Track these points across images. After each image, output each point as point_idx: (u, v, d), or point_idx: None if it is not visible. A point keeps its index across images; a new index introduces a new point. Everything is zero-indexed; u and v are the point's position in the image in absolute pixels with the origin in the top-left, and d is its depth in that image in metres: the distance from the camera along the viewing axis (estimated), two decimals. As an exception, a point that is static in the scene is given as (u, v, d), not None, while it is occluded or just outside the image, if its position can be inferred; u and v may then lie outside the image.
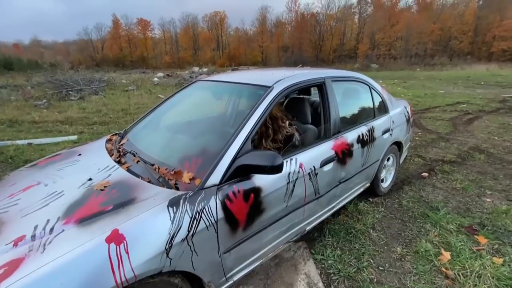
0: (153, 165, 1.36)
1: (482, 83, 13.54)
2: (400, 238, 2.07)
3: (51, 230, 1.00)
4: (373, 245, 1.98)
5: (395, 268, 1.78)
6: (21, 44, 56.20)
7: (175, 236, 1.05)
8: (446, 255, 1.83)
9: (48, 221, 1.05)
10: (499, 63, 28.49)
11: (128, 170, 1.38)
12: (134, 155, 1.49)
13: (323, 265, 1.79)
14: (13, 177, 1.55)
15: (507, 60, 31.26)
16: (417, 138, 4.55)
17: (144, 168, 1.36)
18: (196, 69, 18.24)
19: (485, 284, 1.61)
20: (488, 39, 38.54)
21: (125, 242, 0.95)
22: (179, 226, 1.06)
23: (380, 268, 1.78)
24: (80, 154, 1.65)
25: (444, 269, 1.73)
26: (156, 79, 14.24)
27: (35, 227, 1.02)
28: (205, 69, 17.84)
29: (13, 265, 0.86)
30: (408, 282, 1.66)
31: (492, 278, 1.65)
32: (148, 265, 0.97)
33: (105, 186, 1.23)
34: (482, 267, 1.73)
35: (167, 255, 1.02)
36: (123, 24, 57.03)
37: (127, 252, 0.94)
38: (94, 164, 1.48)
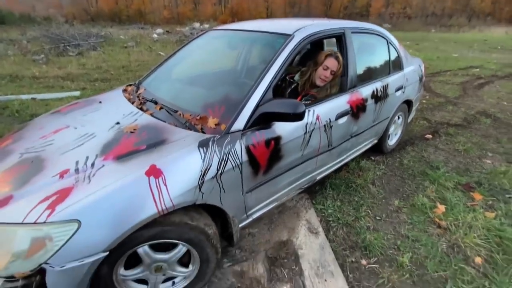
0: (176, 111, 1.40)
1: (499, 47, 12.78)
2: (398, 193, 2.17)
3: (92, 165, 1.07)
4: (372, 198, 2.08)
5: (391, 218, 1.89)
6: (10, -6, 52.32)
7: (206, 173, 1.14)
8: (441, 208, 1.93)
9: (87, 157, 1.12)
10: (521, 26, 26.49)
11: (152, 116, 1.42)
12: (156, 103, 1.51)
13: (323, 214, 1.91)
14: (39, 121, 1.58)
15: (530, 23, 28.98)
16: (424, 101, 4.46)
17: (168, 114, 1.40)
18: (197, 25, 17.14)
19: (475, 233, 1.72)
20: (514, -2, 35.26)
21: (163, 176, 1.03)
22: (209, 165, 1.15)
23: (377, 218, 1.89)
24: (100, 102, 1.68)
25: (437, 220, 1.84)
26: (155, 35, 13.51)
27: (77, 163, 1.09)
28: (206, 26, 16.77)
29: (64, 193, 0.95)
30: (402, 230, 1.78)
31: (483, 229, 1.77)
32: (184, 197, 1.07)
33: (134, 129, 1.28)
34: (474, 219, 1.84)
35: (200, 190, 1.12)
36: (117, -27, 52.32)
37: (165, 185, 1.03)
38: (117, 110, 1.52)
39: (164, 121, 1.35)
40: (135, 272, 1.13)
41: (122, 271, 1.09)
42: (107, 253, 0.93)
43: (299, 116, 1.25)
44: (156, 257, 1.13)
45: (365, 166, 2.48)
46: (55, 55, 7.94)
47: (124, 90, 1.86)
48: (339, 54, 1.81)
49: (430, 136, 3.17)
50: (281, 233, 1.72)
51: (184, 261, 1.24)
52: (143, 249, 1.08)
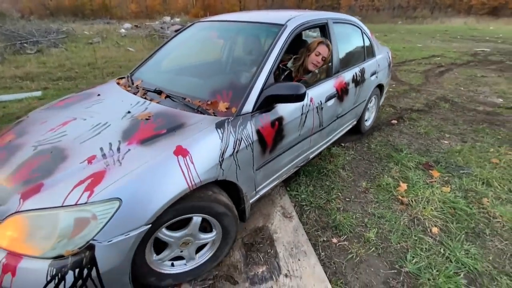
0: (185, 98, 1.46)
1: (458, 37, 13.71)
2: (366, 175, 2.31)
3: (118, 149, 1.13)
4: (342, 182, 2.20)
5: (359, 199, 2.02)
6: (-47, -14, 46.84)
7: (225, 152, 1.25)
8: (403, 186, 2.09)
9: (110, 144, 1.16)
10: (477, 17, 28.51)
11: (160, 104, 1.46)
12: (160, 93, 1.55)
13: (297, 199, 1.99)
14: (37, 116, 1.55)
15: (484, 14, 31.27)
16: (391, 89, 4.71)
17: (177, 102, 1.47)
18: (167, 19, 16.55)
19: (432, 206, 1.89)
20: (470, -9, 37.75)
21: (189, 155, 1.13)
22: (227, 144, 1.26)
23: (347, 199, 2.01)
24: (99, 95, 1.67)
25: (400, 197, 1.99)
26: (123, 30, 12.87)
27: (101, 149, 1.14)
28: (177, 19, 16.27)
29: (98, 176, 1.01)
30: (369, 209, 1.90)
31: (439, 202, 1.94)
32: (209, 173, 1.18)
33: (149, 116, 1.33)
34: (432, 194, 2.01)
35: (221, 167, 1.23)
36: (77, -36, 48.62)
37: (192, 163, 1.12)
38: (122, 101, 1.54)
39: (175, 108, 1.41)
40: (174, 235, 1.20)
41: (164, 229, 1.15)
42: (150, 225, 1.01)
43: (301, 97, 1.38)
44: (199, 234, 1.28)
45: (335, 152, 2.60)
46: (11, 53, 7.33)
47: (118, 83, 1.87)
48: (329, 42, 1.97)
49: (395, 121, 3.37)
50: (257, 220, 1.77)
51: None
52: (197, 219, 1.22)
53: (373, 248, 1.59)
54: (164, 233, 1.16)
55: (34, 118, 1.53)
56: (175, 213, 1.13)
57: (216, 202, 1.25)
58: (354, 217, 1.83)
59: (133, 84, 1.77)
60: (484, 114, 3.65)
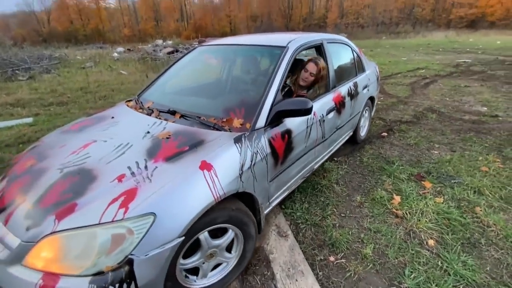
0: (199, 117, 1.54)
1: (441, 49, 14.35)
2: (360, 189, 2.31)
3: (146, 167, 1.17)
4: (337, 197, 2.20)
5: (354, 213, 2.01)
6: None
7: (244, 165, 1.32)
8: (397, 199, 2.10)
9: (137, 162, 1.20)
10: (457, 30, 30.06)
11: (176, 123, 1.52)
12: (174, 113, 1.62)
13: (292, 217, 1.97)
14: (54, 140, 1.57)
15: (463, 27, 33.01)
16: (379, 102, 4.83)
17: (192, 120, 1.54)
18: (160, 42, 16.94)
19: (426, 218, 1.89)
20: (448, 6, 40.00)
21: (213, 169, 1.19)
22: (245, 157, 1.33)
23: (342, 215, 2.00)
24: (113, 117, 1.72)
25: (394, 210, 2.00)
26: (116, 54, 13.10)
27: (129, 168, 1.17)
28: (169, 42, 16.66)
29: (131, 193, 1.04)
30: (365, 224, 1.90)
31: (433, 213, 1.95)
32: (231, 186, 1.24)
33: (169, 135, 1.38)
34: (425, 205, 2.02)
35: (241, 179, 1.30)
36: (70, -8, 50.05)
37: (216, 176, 1.19)
38: (138, 122, 1.60)
39: (192, 126, 1.47)
40: (211, 241, 1.26)
41: (206, 234, 1.22)
42: (183, 237, 1.06)
43: (308, 111, 1.48)
44: (224, 251, 1.36)
45: (328, 167, 2.62)
46: (3, 80, 7.36)
47: (127, 105, 1.93)
48: (319, 60, 2.09)
49: (386, 134, 3.44)
50: (252, 241, 1.74)
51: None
52: (231, 233, 1.34)
53: (371, 265, 1.57)
54: (205, 236, 1.22)
55: (51, 142, 1.55)
56: (226, 219, 1.25)
57: (253, 223, 1.40)
58: (350, 233, 1.81)
59: (143, 105, 1.83)
60: (470, 123, 3.75)
